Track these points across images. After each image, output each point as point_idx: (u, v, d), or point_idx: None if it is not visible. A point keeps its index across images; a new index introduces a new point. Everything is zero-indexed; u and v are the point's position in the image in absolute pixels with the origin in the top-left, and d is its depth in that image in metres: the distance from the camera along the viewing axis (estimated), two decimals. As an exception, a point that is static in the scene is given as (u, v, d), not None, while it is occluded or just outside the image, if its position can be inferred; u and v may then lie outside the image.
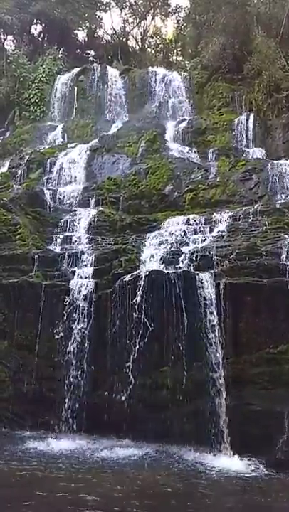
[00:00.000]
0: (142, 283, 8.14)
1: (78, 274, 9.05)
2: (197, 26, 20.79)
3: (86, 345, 8.23)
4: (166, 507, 5.36)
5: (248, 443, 7.09)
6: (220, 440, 7.30)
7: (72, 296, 8.54)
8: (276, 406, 7.27)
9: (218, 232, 10.11)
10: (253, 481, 6.23)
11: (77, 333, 8.35)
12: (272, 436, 7.05)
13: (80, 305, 8.48)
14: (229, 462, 6.88)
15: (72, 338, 8.32)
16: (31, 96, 19.40)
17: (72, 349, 8.25)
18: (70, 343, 8.29)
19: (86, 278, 8.91)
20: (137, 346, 7.85)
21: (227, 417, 7.36)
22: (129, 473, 6.33)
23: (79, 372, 8.11)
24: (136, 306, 8.04)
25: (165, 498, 5.54)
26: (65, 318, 8.44)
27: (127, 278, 8.34)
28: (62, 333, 8.37)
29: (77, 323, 8.39)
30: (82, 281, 8.76)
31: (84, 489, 5.62)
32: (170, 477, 6.19)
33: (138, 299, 8.05)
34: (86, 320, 8.38)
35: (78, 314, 8.44)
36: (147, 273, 8.30)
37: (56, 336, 8.38)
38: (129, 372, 7.78)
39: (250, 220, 10.31)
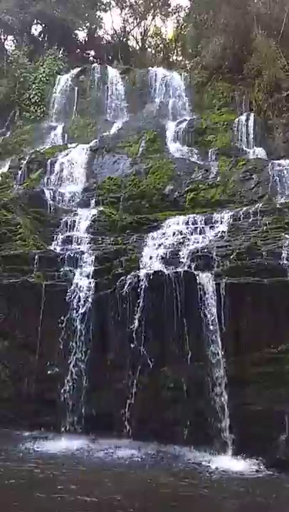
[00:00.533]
0: (142, 283, 8.13)
1: (79, 275, 9.04)
2: (197, 26, 20.80)
3: (87, 343, 8.22)
4: (166, 508, 5.34)
5: (249, 443, 7.08)
6: (221, 440, 7.28)
7: (72, 296, 8.54)
8: (277, 406, 7.25)
9: (218, 232, 10.11)
10: (254, 482, 6.22)
11: (79, 332, 8.35)
12: (273, 436, 7.03)
13: (81, 305, 8.47)
14: (230, 462, 6.87)
15: (74, 336, 8.31)
16: (32, 96, 19.41)
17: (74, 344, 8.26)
18: (71, 341, 8.29)
19: (87, 278, 8.90)
20: (138, 346, 7.84)
21: (228, 417, 7.35)
22: (130, 473, 6.32)
23: (80, 369, 8.08)
24: (136, 306, 8.02)
25: (165, 499, 5.53)
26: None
27: (128, 278, 8.32)
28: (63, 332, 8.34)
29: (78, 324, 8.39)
30: (82, 282, 8.76)
31: (84, 490, 5.62)
32: (170, 478, 6.17)
33: (138, 298, 8.03)
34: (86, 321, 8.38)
35: (79, 315, 8.43)
36: (147, 273, 8.29)
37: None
38: (130, 371, 7.77)
39: (250, 220, 10.31)
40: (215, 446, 7.24)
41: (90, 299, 8.47)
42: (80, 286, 8.63)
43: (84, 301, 8.48)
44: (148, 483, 5.97)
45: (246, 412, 7.37)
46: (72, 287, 8.65)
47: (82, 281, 8.80)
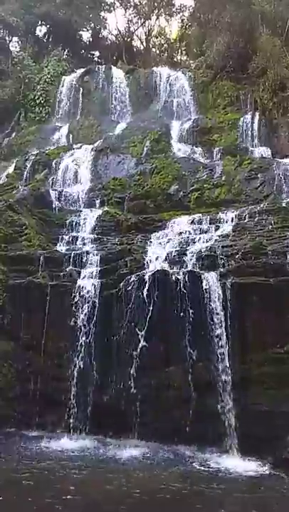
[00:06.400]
0: (147, 283, 8.13)
1: (84, 275, 9.07)
2: (202, 25, 20.81)
3: (92, 343, 8.24)
4: (171, 509, 5.34)
5: (255, 443, 7.06)
6: (226, 440, 7.27)
7: (77, 296, 8.57)
8: (283, 406, 7.22)
9: (223, 231, 10.08)
10: (259, 482, 6.20)
11: (84, 332, 8.37)
12: (279, 436, 7.00)
13: (86, 305, 8.49)
14: (236, 462, 6.85)
15: (79, 336, 8.34)
16: (36, 97, 19.49)
17: (79, 345, 8.28)
18: (76, 341, 8.32)
19: (92, 278, 8.92)
20: (143, 346, 7.84)
21: (233, 417, 7.34)
22: (135, 473, 6.32)
23: (86, 369, 8.10)
24: (141, 306, 8.03)
25: (171, 499, 5.52)
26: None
27: (133, 278, 8.33)
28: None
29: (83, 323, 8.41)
30: (87, 282, 8.78)
31: (90, 489, 5.63)
32: (176, 478, 6.17)
33: (143, 298, 8.04)
34: (91, 321, 8.39)
35: (84, 315, 8.45)
36: (152, 273, 8.29)
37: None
38: (136, 371, 7.77)
39: (255, 220, 10.27)
40: (220, 446, 7.23)
41: (95, 299, 8.48)
42: (85, 287, 8.65)
43: (89, 301, 8.50)
44: (154, 482, 5.96)
45: (252, 412, 7.35)
46: (77, 287, 8.67)
47: (87, 281, 8.82)
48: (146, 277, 8.22)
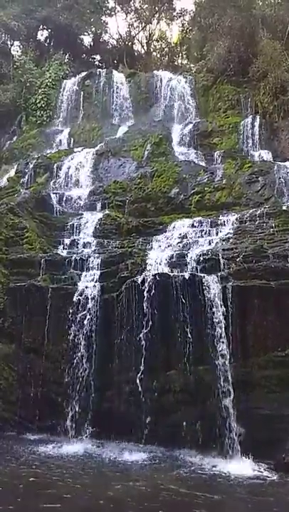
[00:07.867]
0: (148, 286, 8.13)
1: (85, 278, 9.08)
2: (202, 29, 20.86)
3: (93, 346, 8.23)
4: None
5: (257, 447, 7.03)
6: (228, 444, 7.24)
7: (78, 299, 8.57)
8: (284, 409, 7.21)
9: (224, 234, 10.09)
10: (261, 485, 6.17)
11: (85, 335, 8.37)
12: (280, 440, 6.98)
13: (86, 308, 8.50)
14: (238, 466, 6.82)
15: (80, 339, 8.34)
16: (38, 101, 19.55)
17: (80, 350, 8.27)
18: (78, 344, 8.31)
19: (92, 281, 8.93)
20: (143, 349, 7.83)
21: (235, 421, 7.31)
22: (137, 477, 6.29)
23: (86, 373, 8.09)
24: (142, 309, 8.02)
25: (171, 503, 5.50)
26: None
27: (133, 282, 8.33)
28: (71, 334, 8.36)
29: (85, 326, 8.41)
30: (88, 285, 8.79)
31: (92, 494, 5.61)
32: (178, 482, 6.14)
33: (144, 301, 8.04)
34: (92, 324, 8.39)
35: (85, 318, 8.45)
36: (153, 276, 8.29)
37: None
38: (137, 374, 7.76)
39: (256, 223, 10.28)
40: (223, 450, 7.20)
41: (95, 302, 8.49)
42: (86, 290, 8.66)
43: (90, 304, 8.50)
44: (155, 486, 5.93)
45: (254, 416, 7.34)
46: (78, 290, 8.68)
47: (88, 284, 8.83)
48: (147, 280, 8.22)
